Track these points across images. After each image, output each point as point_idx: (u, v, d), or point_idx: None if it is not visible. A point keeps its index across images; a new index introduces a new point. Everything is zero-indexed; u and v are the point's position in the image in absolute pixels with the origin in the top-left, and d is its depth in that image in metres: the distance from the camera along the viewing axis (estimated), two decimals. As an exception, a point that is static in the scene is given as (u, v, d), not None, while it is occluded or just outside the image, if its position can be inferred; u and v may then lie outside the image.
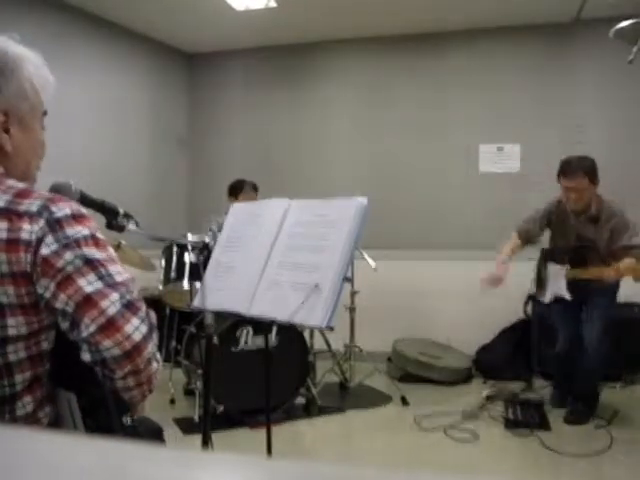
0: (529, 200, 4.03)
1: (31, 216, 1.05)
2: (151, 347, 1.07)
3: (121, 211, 1.55)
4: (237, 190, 4.16)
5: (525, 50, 5.00)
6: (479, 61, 5.08)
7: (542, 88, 4.94)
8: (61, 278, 1.03)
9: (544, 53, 4.96)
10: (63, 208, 1.08)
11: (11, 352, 1.05)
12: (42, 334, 1.08)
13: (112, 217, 1.54)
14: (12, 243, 1.03)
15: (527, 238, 3.64)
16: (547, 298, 3.68)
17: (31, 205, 1.06)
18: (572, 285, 3.51)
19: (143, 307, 1.08)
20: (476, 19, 4.85)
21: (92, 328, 1.02)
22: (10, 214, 1.04)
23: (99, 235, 1.10)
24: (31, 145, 1.19)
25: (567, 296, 3.51)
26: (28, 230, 1.04)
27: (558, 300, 3.62)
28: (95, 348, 1.02)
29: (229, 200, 4.03)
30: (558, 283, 3.59)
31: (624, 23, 2.30)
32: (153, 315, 1.12)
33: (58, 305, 1.04)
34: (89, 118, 4.62)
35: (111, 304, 1.03)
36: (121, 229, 1.56)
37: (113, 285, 1.05)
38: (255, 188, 4.22)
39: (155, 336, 1.10)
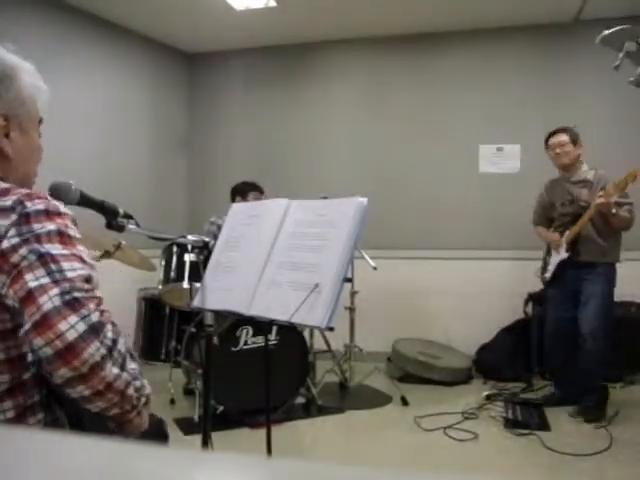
0: (529, 200, 4.04)
1: (4, 211, 1.03)
2: (94, 349, 0.97)
3: (121, 211, 1.55)
4: (243, 194, 4.07)
5: (525, 50, 5.00)
6: (479, 61, 5.07)
7: (542, 88, 4.94)
8: (15, 273, 0.99)
9: (544, 53, 4.95)
10: (38, 204, 1.05)
11: None
12: (18, 336, 1.02)
13: (112, 217, 1.54)
14: None
15: (547, 223, 3.91)
16: (549, 273, 3.81)
17: (7, 201, 1.04)
18: (569, 267, 3.65)
19: (91, 306, 0.99)
20: (476, 19, 4.85)
21: (28, 325, 0.96)
22: None
23: (69, 232, 1.06)
24: (30, 150, 1.20)
25: (566, 254, 3.65)
26: None
27: (556, 280, 3.74)
28: (31, 346, 0.97)
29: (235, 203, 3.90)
30: (558, 253, 3.74)
31: (609, 30, 2.31)
32: (117, 330, 1.03)
33: (8, 302, 1.00)
34: (89, 118, 4.61)
35: (49, 300, 0.96)
36: (121, 229, 1.56)
37: (58, 281, 0.98)
38: (261, 191, 4.14)
39: (106, 340, 0.99)
